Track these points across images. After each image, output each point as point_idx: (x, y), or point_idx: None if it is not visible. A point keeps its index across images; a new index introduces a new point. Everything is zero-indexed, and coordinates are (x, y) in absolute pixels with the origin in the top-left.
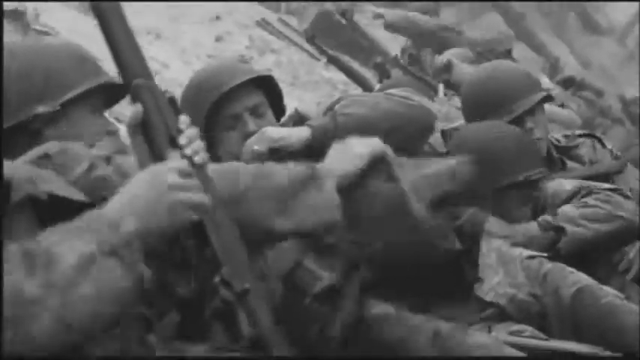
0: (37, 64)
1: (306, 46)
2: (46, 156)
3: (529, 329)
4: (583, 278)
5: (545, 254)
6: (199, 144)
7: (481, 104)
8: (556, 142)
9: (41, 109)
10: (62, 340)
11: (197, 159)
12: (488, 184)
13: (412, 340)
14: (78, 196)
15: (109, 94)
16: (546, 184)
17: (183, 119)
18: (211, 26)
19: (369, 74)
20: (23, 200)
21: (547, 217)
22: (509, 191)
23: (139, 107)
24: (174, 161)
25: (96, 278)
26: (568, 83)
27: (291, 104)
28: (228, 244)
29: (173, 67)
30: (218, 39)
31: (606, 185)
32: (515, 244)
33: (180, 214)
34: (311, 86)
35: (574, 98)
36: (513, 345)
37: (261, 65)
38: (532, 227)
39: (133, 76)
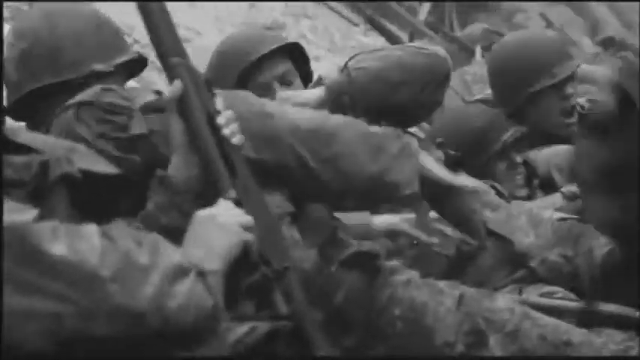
0: (90, 26)
1: (344, 11)
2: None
3: (561, 291)
4: None
5: (575, 217)
6: (236, 126)
7: (519, 69)
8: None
9: (99, 66)
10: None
11: (235, 140)
12: (475, 159)
13: (437, 302)
14: (111, 169)
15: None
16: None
17: (221, 102)
18: None
19: (406, 38)
20: (59, 178)
21: (571, 188)
22: (493, 163)
23: (178, 84)
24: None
25: (189, 287)
26: (608, 43)
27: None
28: (266, 223)
29: (206, 35)
30: (252, 5)
31: None
32: None
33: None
34: (348, 52)
35: (613, 59)
36: (544, 307)
37: (297, 31)
38: (556, 199)
39: (170, 55)
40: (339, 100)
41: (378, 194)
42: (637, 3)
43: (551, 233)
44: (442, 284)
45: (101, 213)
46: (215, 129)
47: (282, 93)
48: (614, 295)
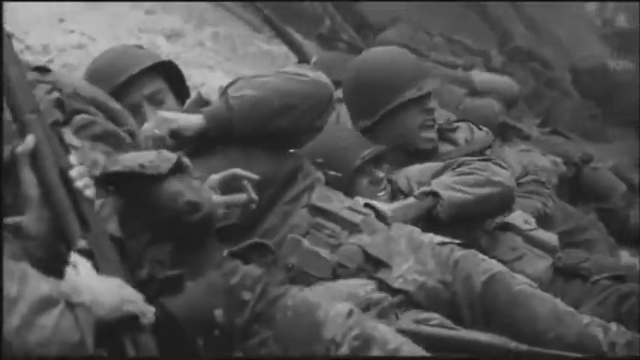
0: None
1: (245, 14)
2: None
3: (437, 317)
4: (495, 265)
5: (457, 241)
6: (89, 180)
7: (385, 80)
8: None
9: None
10: None
11: (87, 192)
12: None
13: (329, 305)
14: None
15: None
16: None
17: (74, 157)
18: None
19: (311, 46)
20: None
21: (421, 189)
22: (355, 179)
23: (30, 138)
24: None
25: (55, 320)
26: (515, 53)
27: (228, 79)
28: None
29: (101, 41)
30: (149, 12)
31: (477, 157)
32: (394, 217)
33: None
34: (250, 60)
35: (521, 69)
36: (419, 334)
37: (197, 39)
38: (409, 202)
39: (24, 111)
40: (218, 128)
41: None
42: (540, 3)
43: (430, 258)
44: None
45: None
46: (67, 182)
47: (162, 114)
48: (493, 323)
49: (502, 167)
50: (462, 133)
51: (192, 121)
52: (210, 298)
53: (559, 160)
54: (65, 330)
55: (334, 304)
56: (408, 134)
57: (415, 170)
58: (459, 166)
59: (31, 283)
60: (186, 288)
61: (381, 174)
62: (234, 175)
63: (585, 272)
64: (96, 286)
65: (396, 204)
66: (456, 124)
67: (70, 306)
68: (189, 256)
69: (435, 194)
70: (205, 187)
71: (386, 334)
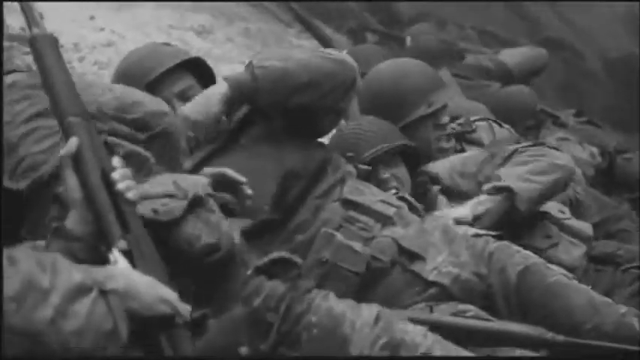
0: None
1: (276, 11)
2: None
3: (473, 309)
4: (530, 257)
5: (492, 233)
6: (132, 182)
7: (395, 99)
8: (451, 130)
9: None
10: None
11: (130, 195)
12: None
13: (355, 314)
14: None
15: None
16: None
17: (117, 160)
18: None
19: (342, 40)
20: None
21: (490, 184)
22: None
23: (73, 141)
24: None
25: (89, 307)
26: (546, 43)
27: None
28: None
29: (130, 38)
30: (178, 9)
31: (528, 142)
32: (482, 222)
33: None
34: None
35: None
36: (455, 326)
37: (228, 34)
38: (482, 199)
39: (67, 113)
40: (242, 97)
41: None
42: (576, 3)
43: (465, 250)
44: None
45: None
46: (109, 184)
47: (189, 112)
48: (529, 314)
49: (557, 149)
50: (484, 132)
51: (215, 91)
52: (235, 336)
53: (595, 150)
54: (98, 317)
55: (360, 311)
56: (422, 148)
57: (456, 160)
58: (512, 154)
59: (62, 273)
60: (209, 328)
61: (386, 174)
62: (223, 175)
63: (620, 259)
64: (132, 277)
65: (471, 207)
66: (475, 124)
67: (103, 293)
68: (212, 292)
69: (508, 189)
70: (222, 219)
71: (416, 336)
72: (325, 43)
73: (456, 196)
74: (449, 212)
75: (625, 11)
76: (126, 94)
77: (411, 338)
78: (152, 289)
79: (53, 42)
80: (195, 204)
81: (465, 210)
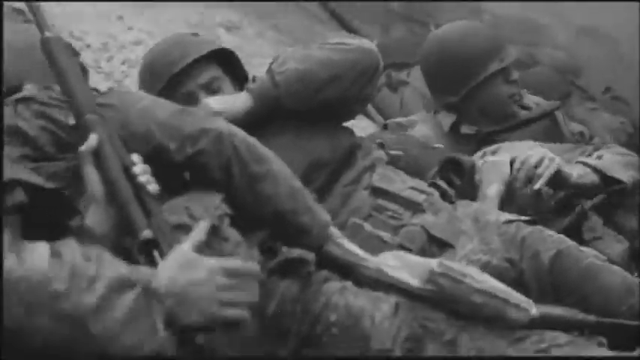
0: None
1: (307, 5)
2: None
3: None
4: (563, 240)
5: (524, 218)
6: (151, 177)
7: (468, 55)
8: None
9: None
10: None
11: (150, 188)
12: None
13: (374, 307)
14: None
15: None
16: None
17: (136, 156)
18: None
19: (374, 34)
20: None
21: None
22: None
23: (93, 137)
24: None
25: (132, 300)
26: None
27: None
28: None
29: (159, 36)
30: (207, 6)
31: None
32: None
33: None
34: None
35: None
36: None
37: (258, 30)
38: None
39: (85, 112)
40: (267, 105)
41: (286, 231)
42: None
43: (496, 237)
44: (377, 292)
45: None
46: (130, 177)
47: (207, 103)
48: (563, 298)
49: None
50: (527, 99)
51: (238, 104)
52: None
53: (626, 120)
54: (138, 314)
55: (379, 303)
56: (497, 106)
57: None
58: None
59: (108, 264)
60: None
61: None
62: None
63: None
64: (178, 279)
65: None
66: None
67: (147, 290)
68: None
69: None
70: (237, 245)
71: (440, 323)
72: (355, 33)
73: None
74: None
75: None
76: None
77: (435, 325)
78: (206, 294)
79: (64, 44)
80: (210, 235)
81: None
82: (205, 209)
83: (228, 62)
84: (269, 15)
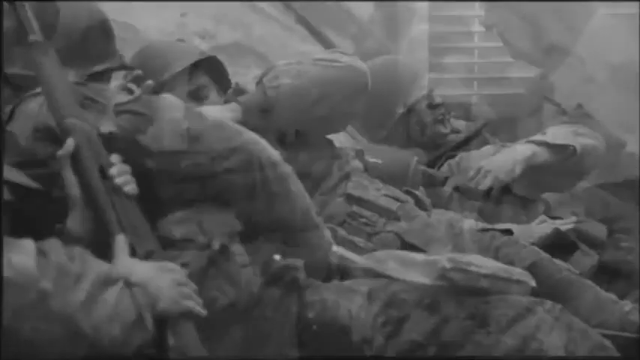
0: None
1: (279, 16)
2: None
3: None
4: (537, 252)
5: (499, 228)
6: (129, 177)
7: (394, 86)
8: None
9: None
10: None
11: (127, 189)
12: None
13: (348, 300)
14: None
15: None
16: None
17: (115, 156)
18: None
19: (345, 43)
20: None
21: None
22: None
23: (70, 141)
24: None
25: (116, 296)
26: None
27: None
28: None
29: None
30: (183, 14)
31: None
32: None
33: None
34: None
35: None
36: None
37: (230, 39)
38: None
39: (64, 116)
40: (256, 117)
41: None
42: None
43: (471, 244)
44: (348, 283)
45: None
46: (107, 179)
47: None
48: None
49: None
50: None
51: (228, 114)
52: None
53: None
54: (125, 307)
55: (351, 296)
56: (426, 131)
57: (477, 156)
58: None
59: (91, 262)
60: None
61: None
62: None
63: (629, 267)
64: (152, 273)
65: None
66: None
67: (128, 285)
68: None
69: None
70: (244, 267)
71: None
72: (330, 47)
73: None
74: None
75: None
76: None
77: (413, 295)
78: (174, 285)
79: (49, 48)
80: (219, 255)
81: None
82: (218, 225)
83: (215, 70)
84: (242, 25)
